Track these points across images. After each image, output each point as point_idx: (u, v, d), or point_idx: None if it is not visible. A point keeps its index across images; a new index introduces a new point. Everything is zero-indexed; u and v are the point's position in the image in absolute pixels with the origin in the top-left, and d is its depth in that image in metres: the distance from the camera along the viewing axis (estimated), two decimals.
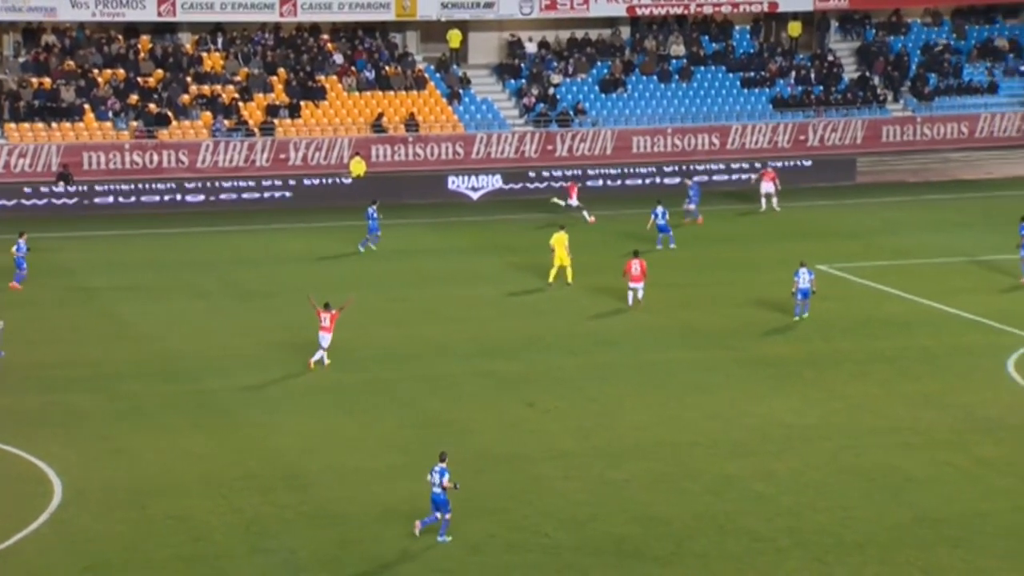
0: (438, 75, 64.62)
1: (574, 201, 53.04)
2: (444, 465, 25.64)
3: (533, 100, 64.00)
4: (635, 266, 40.53)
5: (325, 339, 35.18)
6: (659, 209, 48.30)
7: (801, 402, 32.97)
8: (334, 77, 63.31)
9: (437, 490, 25.49)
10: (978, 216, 54.11)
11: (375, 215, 48.44)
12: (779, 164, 60.00)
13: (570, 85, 65.43)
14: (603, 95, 65.18)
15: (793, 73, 67.05)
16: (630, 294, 40.64)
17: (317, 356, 35.29)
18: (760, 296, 42.24)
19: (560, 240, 43.24)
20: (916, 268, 45.88)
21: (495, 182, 58.83)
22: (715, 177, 59.85)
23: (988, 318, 39.26)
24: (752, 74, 66.89)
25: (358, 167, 58.52)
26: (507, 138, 61.89)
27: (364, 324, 39.86)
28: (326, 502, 27.35)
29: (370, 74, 63.62)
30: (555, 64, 66.04)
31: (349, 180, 57.70)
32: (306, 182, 57.34)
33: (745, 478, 28.42)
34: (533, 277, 44.67)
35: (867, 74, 67.57)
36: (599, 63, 66.43)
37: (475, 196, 58.51)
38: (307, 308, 36.82)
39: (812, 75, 67.04)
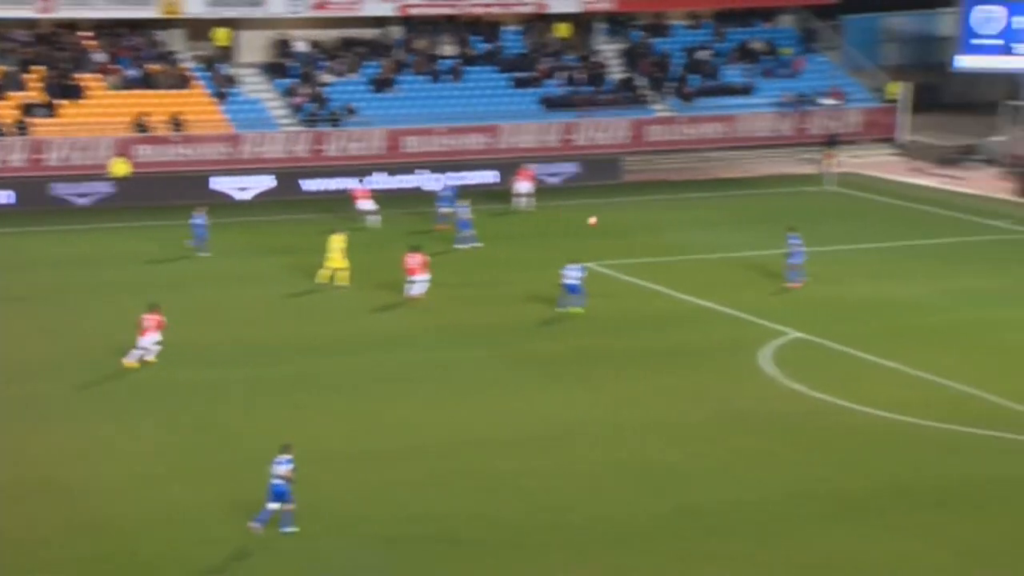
0: (205, 74, 63.54)
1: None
2: (288, 456, 25.64)
3: (303, 100, 63.49)
4: (412, 260, 40.92)
5: (146, 340, 34.96)
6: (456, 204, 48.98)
7: (568, 398, 33.57)
8: (95, 75, 61.63)
9: (278, 481, 25.44)
10: (737, 214, 55.87)
11: (201, 222, 47.28)
12: (546, 165, 61.09)
13: (341, 85, 65.14)
14: (374, 95, 65.10)
15: (562, 74, 68.15)
16: (407, 285, 40.78)
17: (137, 355, 34.88)
18: (529, 293, 42.81)
19: (336, 242, 43.07)
20: (679, 265, 47.12)
21: (265, 182, 58.17)
22: (486, 177, 60.43)
23: (744, 312, 40.58)
24: (522, 74, 67.73)
25: (120, 167, 57.09)
26: (276, 138, 61.26)
27: (128, 328, 38.93)
28: (83, 512, 26.66)
29: (134, 72, 62.15)
30: (325, 64, 65.65)
31: (111, 181, 56.30)
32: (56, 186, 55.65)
33: (513, 475, 28.80)
34: (305, 278, 44.32)
35: (632, 75, 69.13)
36: (370, 63, 66.33)
37: (243, 196, 57.73)
38: (67, 311, 35.84)
39: (580, 76, 68.24)
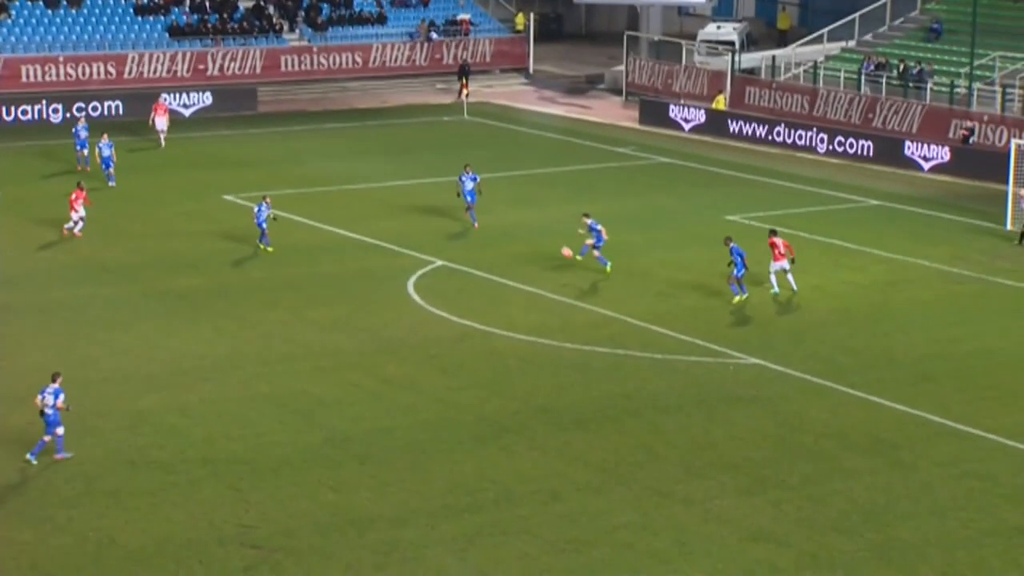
0: None
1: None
2: (58, 385, 25.49)
3: None
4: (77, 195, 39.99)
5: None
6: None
7: (213, 333, 32.92)
8: None
9: (50, 411, 25.37)
10: (375, 144, 55.97)
11: None
12: (178, 95, 59.48)
13: None
14: None
15: (188, 1, 66.19)
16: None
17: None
18: (168, 229, 41.67)
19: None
20: (320, 195, 46.86)
21: None
22: (111, 108, 58.22)
23: (389, 242, 40.77)
24: (146, 1, 65.40)
25: None
26: None
27: None
28: None
29: None
30: None
31: None
32: None
33: (159, 412, 28.10)
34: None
35: (262, 3, 67.89)
36: None
37: None
38: None
39: (207, 4, 66.47)
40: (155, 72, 62.50)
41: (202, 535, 23.05)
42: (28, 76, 59.86)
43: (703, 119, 59.62)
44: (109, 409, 28.15)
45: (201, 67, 63.60)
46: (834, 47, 63.30)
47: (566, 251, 38.35)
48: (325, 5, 68.99)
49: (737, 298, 35.68)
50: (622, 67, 67.80)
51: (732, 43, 66.33)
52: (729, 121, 58.89)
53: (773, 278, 36.07)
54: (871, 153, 54.51)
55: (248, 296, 35.71)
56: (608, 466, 26.35)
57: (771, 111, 59.69)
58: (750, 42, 69.23)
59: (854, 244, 41.97)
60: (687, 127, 59.97)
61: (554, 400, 29.64)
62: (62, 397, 25.61)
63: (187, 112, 59.92)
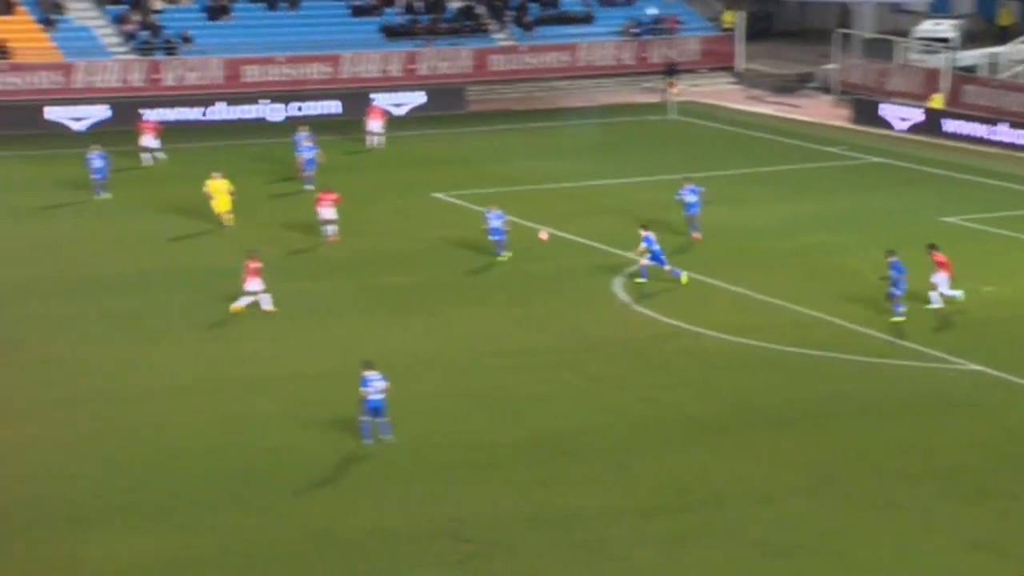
0: (29, 0, 61.29)
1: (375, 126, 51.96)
2: (376, 372, 26.18)
3: (135, 28, 61.75)
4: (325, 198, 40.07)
5: (252, 284, 33.46)
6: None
7: (422, 329, 33.49)
8: None
9: (376, 396, 26.08)
10: (581, 143, 56.16)
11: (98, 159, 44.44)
12: (391, 94, 60.73)
13: (174, 12, 63.50)
14: (210, 22, 63.62)
15: (401, 2, 67.44)
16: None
17: (245, 301, 33.47)
18: (379, 226, 42.57)
19: (218, 187, 41.05)
20: (526, 194, 47.21)
21: (100, 112, 56.55)
22: (328, 107, 59.74)
23: (595, 241, 40.88)
24: (360, 3, 66.85)
25: None
26: (110, 67, 59.52)
27: None
28: None
29: None
30: None
31: None
32: None
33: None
34: (149, 209, 43.39)
35: (472, 3, 68.73)
36: None
37: (78, 126, 56.07)
38: None
39: (419, 5, 67.61)
40: (368, 72, 63.82)
41: (416, 528, 23.49)
42: (248, 76, 61.76)
43: (918, 118, 58.20)
44: (326, 401, 28.88)
45: (412, 67, 64.71)
46: None
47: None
48: (533, 5, 69.48)
49: (896, 317, 33.85)
50: (833, 65, 66.63)
51: (948, 40, 64.53)
52: (946, 120, 57.35)
53: (939, 293, 34.43)
54: None
55: (456, 293, 36.23)
56: (819, 470, 25.99)
57: (991, 110, 57.90)
58: (968, 39, 67.30)
59: None
60: (901, 126, 58.63)
61: (762, 401, 29.36)
62: (386, 383, 26.35)
63: (400, 111, 61.06)
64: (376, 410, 26.48)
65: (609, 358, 31.70)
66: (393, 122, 58.28)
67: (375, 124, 53.87)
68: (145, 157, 49.07)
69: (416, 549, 22.82)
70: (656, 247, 36.47)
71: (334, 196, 40.11)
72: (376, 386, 26.43)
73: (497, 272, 38.01)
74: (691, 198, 40.68)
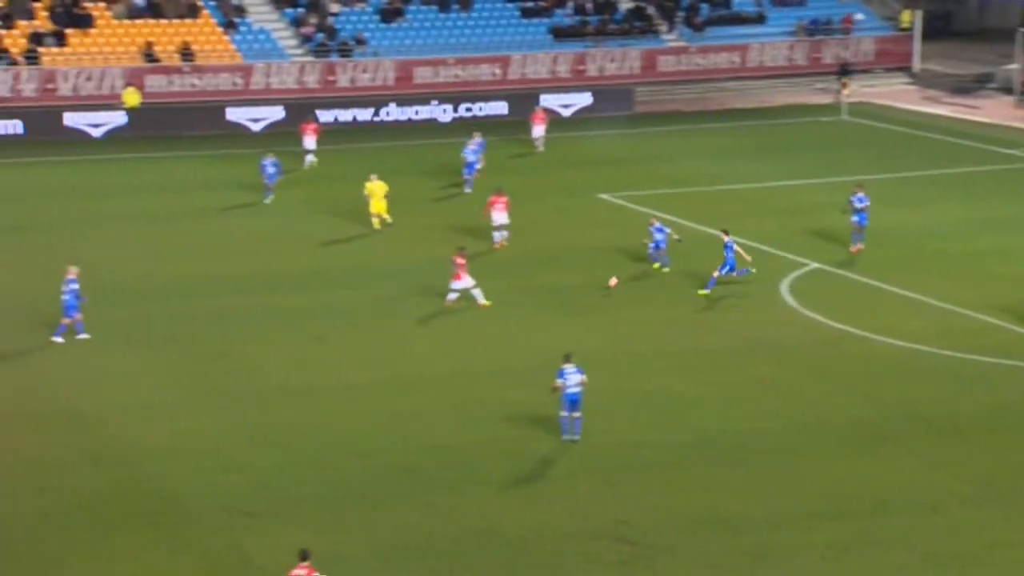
0: (212, 3, 63.03)
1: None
2: (573, 365, 26.38)
3: (312, 30, 63.02)
4: (498, 200, 39.89)
5: (459, 283, 34.33)
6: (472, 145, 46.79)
7: (584, 329, 33.50)
8: (102, 4, 61.17)
9: (573, 389, 26.28)
10: (751, 144, 55.57)
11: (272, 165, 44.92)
12: (558, 95, 60.88)
13: (349, 15, 64.64)
14: (383, 25, 64.61)
15: (571, 3, 67.57)
16: (496, 234, 39.71)
17: (453, 297, 34.42)
18: (543, 226, 42.67)
19: (376, 189, 41.45)
20: (693, 195, 46.90)
21: (277, 113, 57.87)
22: (495, 109, 60.20)
23: (762, 243, 40.38)
24: (531, 4, 67.17)
25: (132, 98, 56.85)
26: (287, 68, 60.87)
27: (141, 259, 38.98)
28: (108, 440, 26.74)
29: (140, 1, 61.66)
30: None
31: (123, 111, 56.12)
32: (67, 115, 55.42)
33: (533, 405, 28.76)
34: (316, 209, 44.24)
35: (642, 4, 68.53)
36: None
37: (256, 127, 57.47)
38: (77, 243, 35.61)
39: (589, 5, 67.65)
40: (537, 73, 64.10)
41: (579, 528, 23.50)
42: (420, 77, 62.55)
43: None
44: (488, 399, 29.10)
45: (581, 68, 64.78)
46: None
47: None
48: (704, 5, 68.98)
49: None
50: (1015, 65, 64.73)
51: None
52: None
53: None
54: None
55: (618, 293, 36.13)
56: (992, 480, 25.32)
57: None
58: None
59: None
60: None
61: (932, 409, 28.71)
62: (582, 377, 26.54)
63: (567, 112, 61.20)
64: (573, 403, 26.63)
65: (774, 362, 31.31)
66: (560, 123, 58.45)
67: (538, 129, 52.97)
68: (308, 158, 49.84)
69: (577, 549, 22.83)
70: (731, 254, 35.63)
71: (505, 199, 40.10)
72: (573, 379, 26.57)
73: (660, 273, 37.80)
74: (860, 205, 39.46)
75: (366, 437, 27.17)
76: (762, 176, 49.41)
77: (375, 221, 41.61)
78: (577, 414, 26.73)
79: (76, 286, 31.74)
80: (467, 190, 46.19)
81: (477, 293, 34.59)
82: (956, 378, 30.40)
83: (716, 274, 35.62)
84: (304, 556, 20.35)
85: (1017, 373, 30.53)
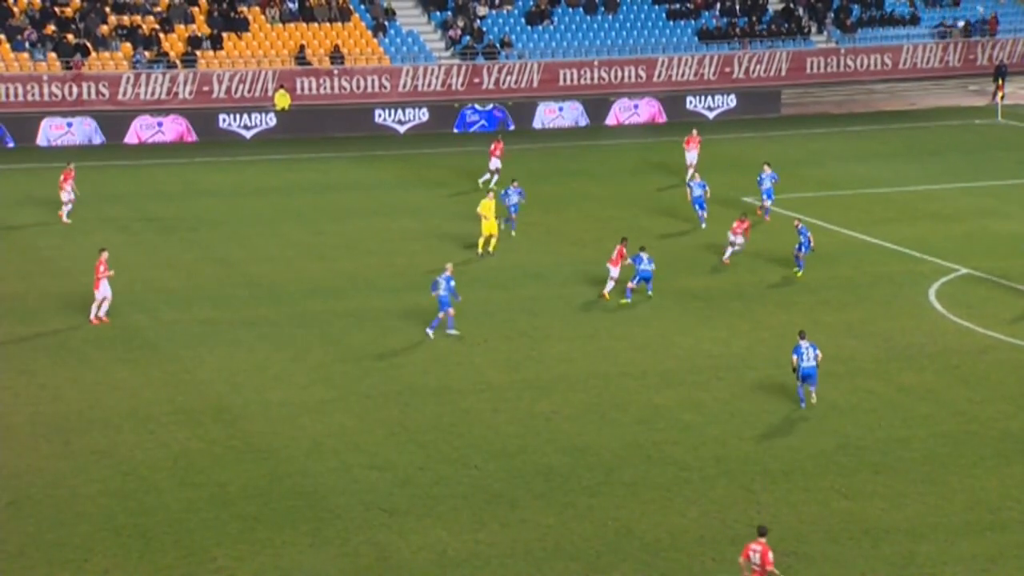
0: (363, 7, 63.93)
1: (494, 163, 47.15)
2: (809, 342, 28.42)
3: (459, 33, 63.53)
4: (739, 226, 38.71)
5: (614, 271, 35.42)
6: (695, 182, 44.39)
7: (728, 333, 33.22)
8: (256, 8, 62.48)
9: (808, 364, 28.26)
10: (901, 147, 54.58)
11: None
12: (703, 97, 60.49)
13: (496, 17, 65.02)
14: (529, 27, 64.85)
15: (718, 5, 67.05)
16: (728, 249, 38.72)
17: (611, 286, 35.55)
18: (681, 230, 42.40)
19: (488, 207, 39.64)
20: (840, 199, 46.20)
21: (422, 115, 58.46)
22: (643, 108, 60.03)
23: (910, 248, 39.67)
24: (677, 6, 66.81)
25: (283, 100, 57.95)
26: (433, 71, 61.46)
27: (289, 258, 39.67)
28: (254, 436, 27.25)
29: (293, 5, 62.84)
30: None
31: (273, 113, 57.24)
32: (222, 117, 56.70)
33: (672, 408, 28.66)
34: (458, 211, 44.55)
35: (792, 5, 67.72)
36: None
37: (402, 129, 58.14)
38: (228, 242, 36.30)
39: (737, 7, 67.08)
40: (683, 75, 63.75)
41: (715, 532, 23.34)
42: (565, 79, 62.65)
43: None
44: (627, 402, 29.02)
45: (727, 70, 64.27)
46: None
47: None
48: (855, 6, 67.91)
49: None
50: None
51: None
52: None
53: None
54: None
55: (762, 297, 35.77)
56: None
57: None
58: None
59: None
60: None
61: None
62: (818, 352, 28.33)
63: (711, 115, 60.77)
64: (808, 377, 28.38)
65: (921, 368, 30.71)
66: (706, 124, 58.09)
67: (692, 155, 47.78)
68: (487, 176, 48.28)
69: (713, 554, 22.64)
70: (805, 239, 36.68)
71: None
72: (808, 354, 28.27)
73: (807, 277, 37.28)
74: None
75: (505, 437, 27.28)
76: (911, 179, 48.49)
77: (482, 244, 39.35)
78: (814, 387, 28.49)
79: (453, 282, 32.80)
80: (703, 225, 42.57)
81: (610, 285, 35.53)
82: None
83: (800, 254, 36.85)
84: (762, 532, 21.02)
85: None
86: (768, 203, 41.96)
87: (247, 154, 53.78)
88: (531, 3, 65.61)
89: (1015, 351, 31.64)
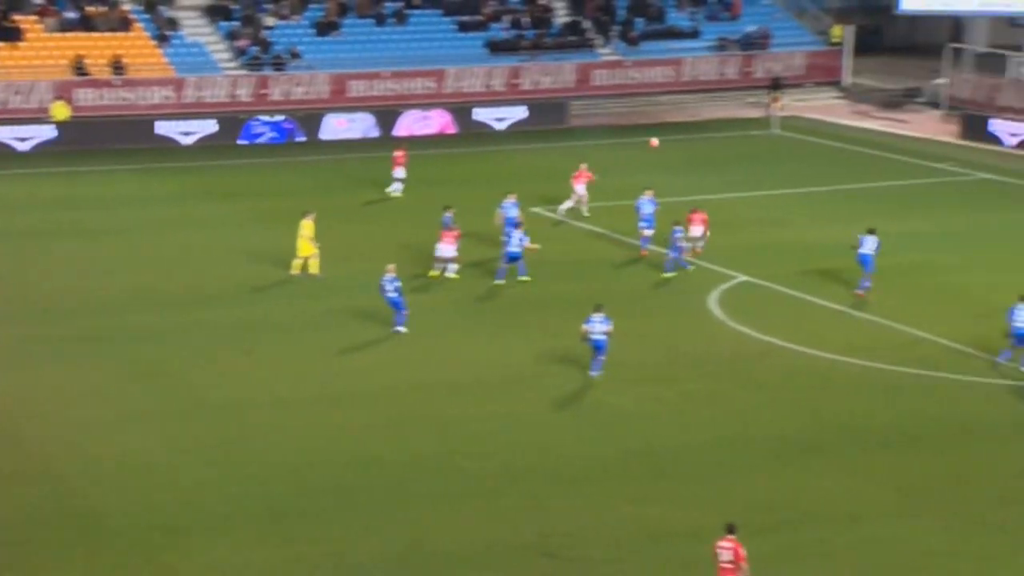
0: (145, 16, 62.64)
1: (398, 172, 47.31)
2: (602, 315, 30.20)
3: (247, 43, 62.77)
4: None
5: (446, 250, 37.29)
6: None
7: (518, 343, 33.54)
8: (32, 17, 60.63)
9: (598, 336, 30.18)
10: (684, 158, 55.90)
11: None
12: (492, 109, 61.12)
13: (284, 28, 64.44)
14: (319, 38, 64.47)
15: (507, 17, 67.75)
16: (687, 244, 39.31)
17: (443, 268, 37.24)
18: (475, 237, 42.68)
19: (309, 228, 38.15)
20: (626, 209, 46.95)
21: (207, 127, 57.56)
22: (434, 118, 60.26)
23: (691, 255, 40.60)
24: (467, 18, 67.26)
25: (61, 111, 56.35)
26: (219, 82, 60.59)
27: (69, 275, 38.60)
28: (29, 459, 26.45)
29: (72, 14, 61.18)
30: (268, 6, 64.93)
31: (52, 125, 55.62)
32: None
33: (463, 419, 28.83)
34: (248, 223, 44.03)
35: (578, 18, 68.84)
36: (313, 5, 65.65)
37: (186, 141, 57.12)
38: (8, 258, 35.22)
39: (525, 20, 67.86)
40: (472, 87, 64.18)
41: (502, 541, 23.55)
42: (355, 91, 62.42)
43: None
44: (417, 414, 29.06)
45: (516, 81, 64.95)
46: None
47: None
48: (639, 20, 69.38)
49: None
50: (942, 80, 65.62)
51: None
52: None
53: None
54: None
55: (551, 308, 36.19)
56: (914, 491, 25.62)
57: None
58: None
59: None
60: (1012, 142, 57.56)
61: (858, 421, 29.01)
62: (608, 326, 30.32)
63: (501, 126, 61.33)
64: (598, 348, 30.34)
65: (704, 375, 31.51)
66: (494, 137, 58.56)
67: (580, 187, 45.48)
68: (395, 187, 48.09)
69: (502, 563, 22.86)
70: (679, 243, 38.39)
71: (455, 233, 38.43)
72: (598, 327, 30.18)
73: (591, 286, 37.85)
74: (866, 248, 37.12)
75: (296, 452, 27.07)
76: (693, 189, 49.66)
77: (296, 265, 38.15)
78: (602, 357, 30.48)
79: (398, 282, 33.60)
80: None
81: (451, 267, 37.60)
82: (882, 390, 30.73)
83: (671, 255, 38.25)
84: (731, 530, 20.98)
85: (941, 385, 30.91)
86: (648, 232, 40.47)
87: (22, 167, 52.13)
88: (320, 14, 65.25)
89: (791, 355, 32.73)
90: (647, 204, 40.84)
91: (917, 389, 30.71)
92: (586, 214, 44.93)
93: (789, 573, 22.44)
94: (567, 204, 45.26)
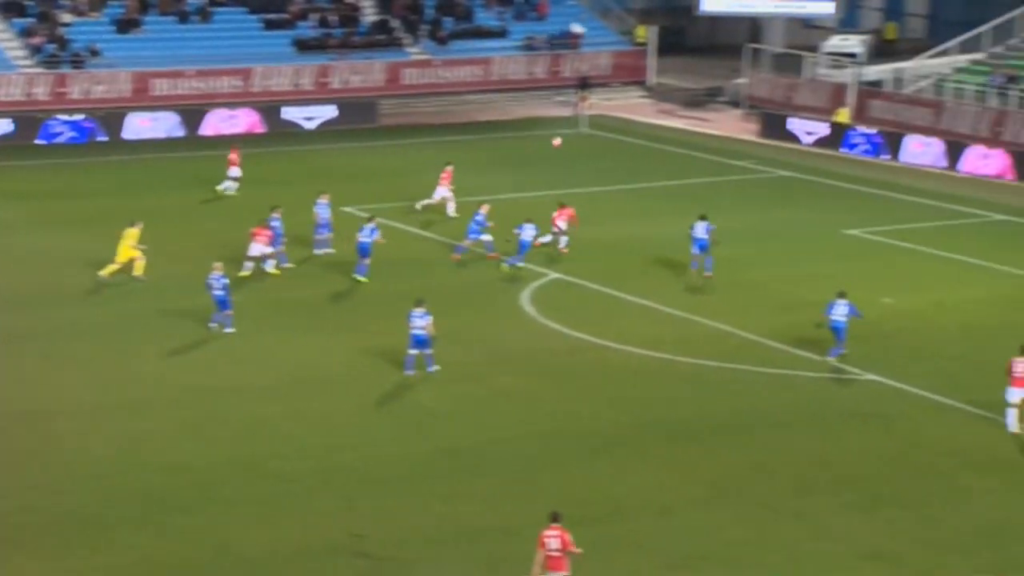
0: None
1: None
2: (424, 309, 30.25)
3: (42, 40, 60.93)
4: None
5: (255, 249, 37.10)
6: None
7: (329, 343, 33.27)
8: None
9: (418, 331, 30.12)
10: (495, 156, 56.17)
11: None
12: (302, 108, 60.56)
13: (82, 25, 62.75)
14: (119, 36, 62.95)
15: (314, 16, 67.16)
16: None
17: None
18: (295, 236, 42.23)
19: (133, 236, 37.13)
20: (436, 207, 47.05)
21: (4, 126, 55.70)
22: (242, 117, 59.38)
23: (502, 253, 40.83)
24: (273, 16, 66.46)
25: None
26: (14, 80, 58.70)
27: None
28: None
29: None
30: (66, 3, 63.15)
31: None
32: None
33: (274, 421, 28.48)
34: (50, 226, 42.77)
35: (386, 17, 68.60)
36: (113, 3, 64.09)
37: None
38: None
39: (333, 17, 67.37)
40: (280, 85, 63.43)
41: (314, 544, 23.32)
42: (159, 89, 61.12)
43: (825, 132, 58.92)
44: (226, 417, 28.61)
45: (324, 80, 64.41)
46: (963, 59, 62.07)
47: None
48: (448, 19, 69.48)
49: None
50: (742, 80, 67.27)
51: (856, 55, 65.33)
52: (851, 134, 58.09)
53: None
54: (998, 167, 53.45)
55: (362, 307, 36.03)
56: (721, 481, 26.15)
57: (895, 124, 58.74)
58: (876, 54, 68.23)
59: (977, 259, 41.16)
60: (808, 140, 59.32)
61: (667, 414, 29.50)
62: (430, 320, 30.37)
63: (311, 125, 60.78)
64: (420, 342, 30.19)
65: (516, 372, 31.69)
66: (304, 135, 57.99)
67: (441, 189, 45.47)
68: (228, 185, 47.15)
69: (314, 566, 22.64)
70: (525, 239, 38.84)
71: (267, 233, 38.08)
72: (418, 323, 30.13)
73: (404, 285, 37.69)
74: (702, 232, 38.09)
75: (97, 460, 26.39)
76: (504, 188, 49.91)
77: (109, 270, 37.08)
78: (428, 351, 30.37)
79: (226, 280, 33.19)
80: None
81: (269, 263, 37.66)
82: (690, 383, 31.31)
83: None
84: (555, 518, 20.74)
85: (748, 377, 31.63)
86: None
87: None
88: (120, 11, 63.70)
89: (602, 351, 33.12)
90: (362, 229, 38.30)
91: (722, 382, 31.37)
92: (453, 215, 44.64)
93: (602, 565, 22.69)
94: (425, 201, 45.26)
